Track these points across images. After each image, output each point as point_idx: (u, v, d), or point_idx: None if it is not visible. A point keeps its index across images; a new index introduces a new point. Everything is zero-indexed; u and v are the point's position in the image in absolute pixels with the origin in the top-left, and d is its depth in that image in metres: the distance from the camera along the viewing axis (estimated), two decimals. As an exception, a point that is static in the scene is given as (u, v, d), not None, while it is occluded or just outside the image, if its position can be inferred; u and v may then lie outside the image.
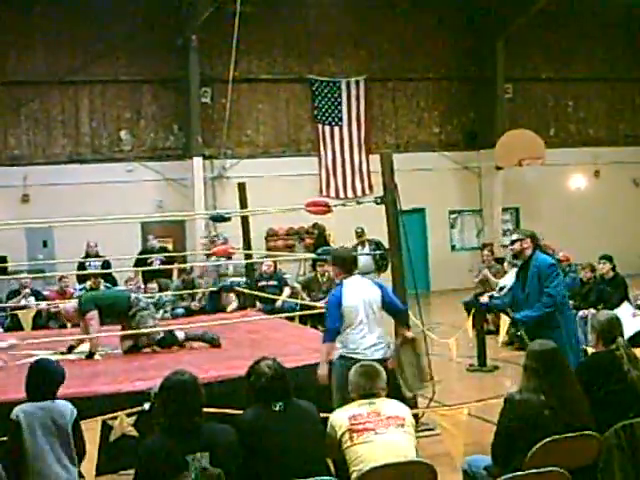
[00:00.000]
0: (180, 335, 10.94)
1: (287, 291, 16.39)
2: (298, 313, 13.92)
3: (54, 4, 22.12)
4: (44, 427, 5.77)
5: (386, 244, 12.98)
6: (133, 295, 11.27)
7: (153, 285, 16.01)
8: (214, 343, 10.89)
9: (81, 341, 10.86)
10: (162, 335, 10.80)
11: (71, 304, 11.54)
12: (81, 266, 17.56)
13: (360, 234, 17.47)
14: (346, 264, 7.93)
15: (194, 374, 5.41)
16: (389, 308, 7.96)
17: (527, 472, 5.18)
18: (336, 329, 7.67)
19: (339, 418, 5.58)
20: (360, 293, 7.75)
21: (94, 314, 10.54)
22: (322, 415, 5.76)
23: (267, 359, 5.68)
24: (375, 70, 24.73)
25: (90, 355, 10.49)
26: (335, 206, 9.68)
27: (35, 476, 5.76)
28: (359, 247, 17.40)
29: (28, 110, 22.45)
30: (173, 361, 9.57)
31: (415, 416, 6.58)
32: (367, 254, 16.62)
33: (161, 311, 15.58)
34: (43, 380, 5.97)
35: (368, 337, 7.65)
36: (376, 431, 5.48)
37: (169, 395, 5.17)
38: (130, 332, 10.62)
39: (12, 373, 9.10)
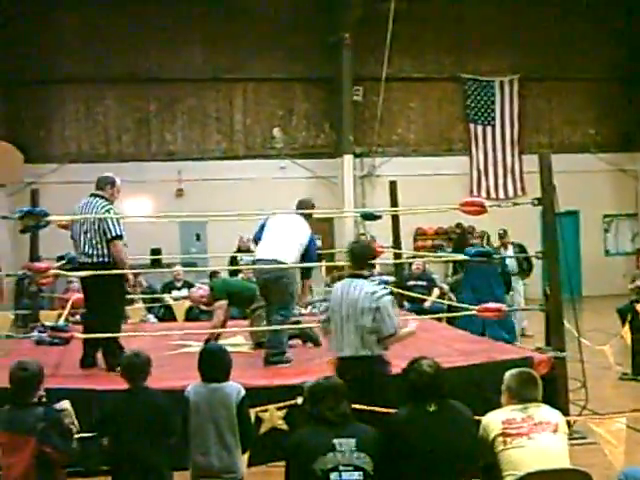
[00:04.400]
0: None
1: (436, 292, 16.24)
2: (445, 315, 13.79)
3: (212, 2, 22.65)
4: (209, 406, 6.03)
5: (528, 247, 12.78)
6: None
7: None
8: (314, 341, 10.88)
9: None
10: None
11: (199, 291, 11.74)
12: (233, 260, 17.85)
13: (502, 236, 17.14)
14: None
15: None
16: None
17: (690, 488, 4.98)
18: None
19: (493, 421, 5.50)
20: None
21: (222, 304, 10.82)
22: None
23: (426, 358, 5.66)
24: (529, 69, 24.29)
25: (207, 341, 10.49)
26: (491, 207, 9.50)
27: (196, 451, 6.03)
28: (502, 249, 17.07)
29: (184, 106, 23.05)
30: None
31: (567, 423, 6.41)
32: (511, 256, 16.25)
33: (309, 307, 15.72)
34: (212, 363, 6.20)
35: None
36: (529, 436, 5.39)
37: (321, 394, 5.30)
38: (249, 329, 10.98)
39: (166, 362, 9.34)
